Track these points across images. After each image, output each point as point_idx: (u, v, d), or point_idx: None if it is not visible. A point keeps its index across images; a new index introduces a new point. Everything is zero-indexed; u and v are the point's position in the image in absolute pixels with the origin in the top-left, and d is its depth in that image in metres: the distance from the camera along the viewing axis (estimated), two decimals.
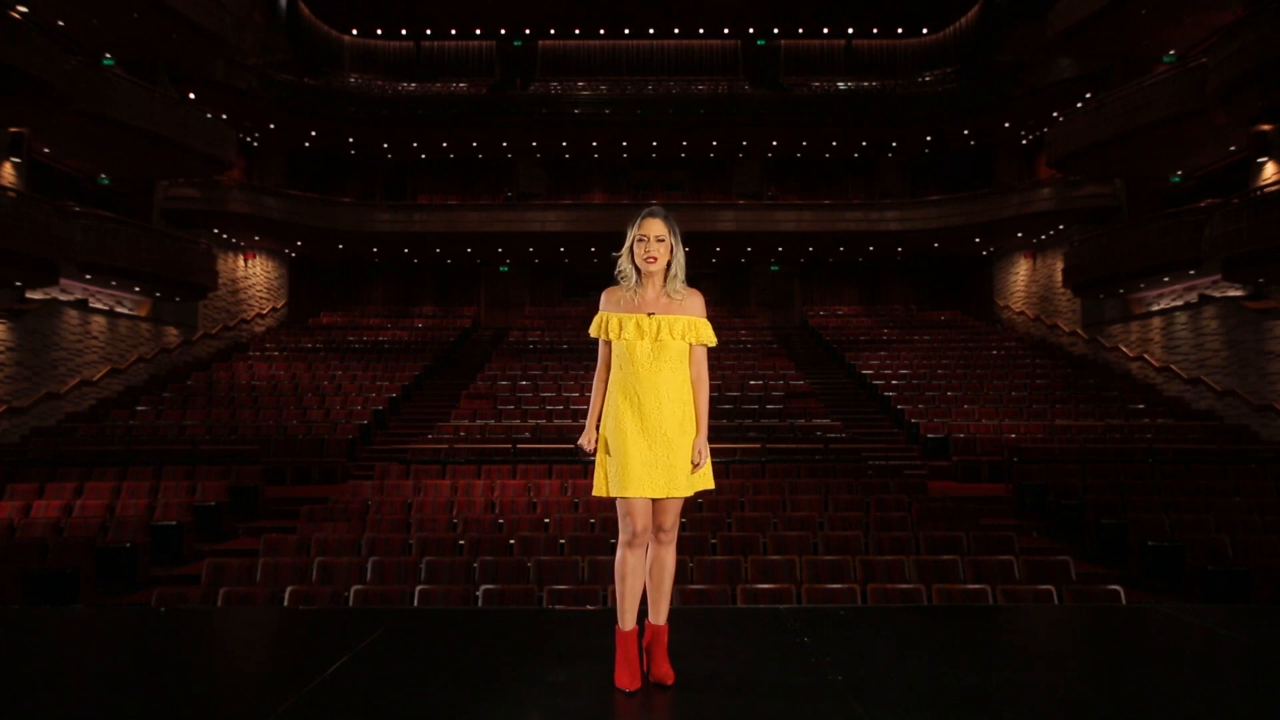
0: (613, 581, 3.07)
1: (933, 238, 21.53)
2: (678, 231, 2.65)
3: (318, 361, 17.26)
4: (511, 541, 7.25)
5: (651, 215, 2.63)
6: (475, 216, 21.38)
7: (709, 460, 2.63)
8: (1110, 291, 17.52)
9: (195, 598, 5.94)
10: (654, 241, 2.60)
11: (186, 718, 2.38)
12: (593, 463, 2.65)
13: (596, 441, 2.64)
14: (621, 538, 2.58)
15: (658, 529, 2.59)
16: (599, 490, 2.60)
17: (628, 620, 2.53)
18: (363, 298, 24.57)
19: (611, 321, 2.64)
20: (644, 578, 2.59)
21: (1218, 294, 15.03)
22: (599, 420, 2.65)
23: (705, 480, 2.62)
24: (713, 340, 2.68)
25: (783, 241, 22.11)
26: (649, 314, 2.62)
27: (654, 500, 2.57)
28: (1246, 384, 13.66)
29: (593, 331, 2.69)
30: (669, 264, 2.64)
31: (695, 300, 2.67)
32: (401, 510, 8.68)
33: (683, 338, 2.61)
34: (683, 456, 2.55)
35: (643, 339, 2.60)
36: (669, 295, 2.64)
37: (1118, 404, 14.43)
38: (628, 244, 2.65)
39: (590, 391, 2.75)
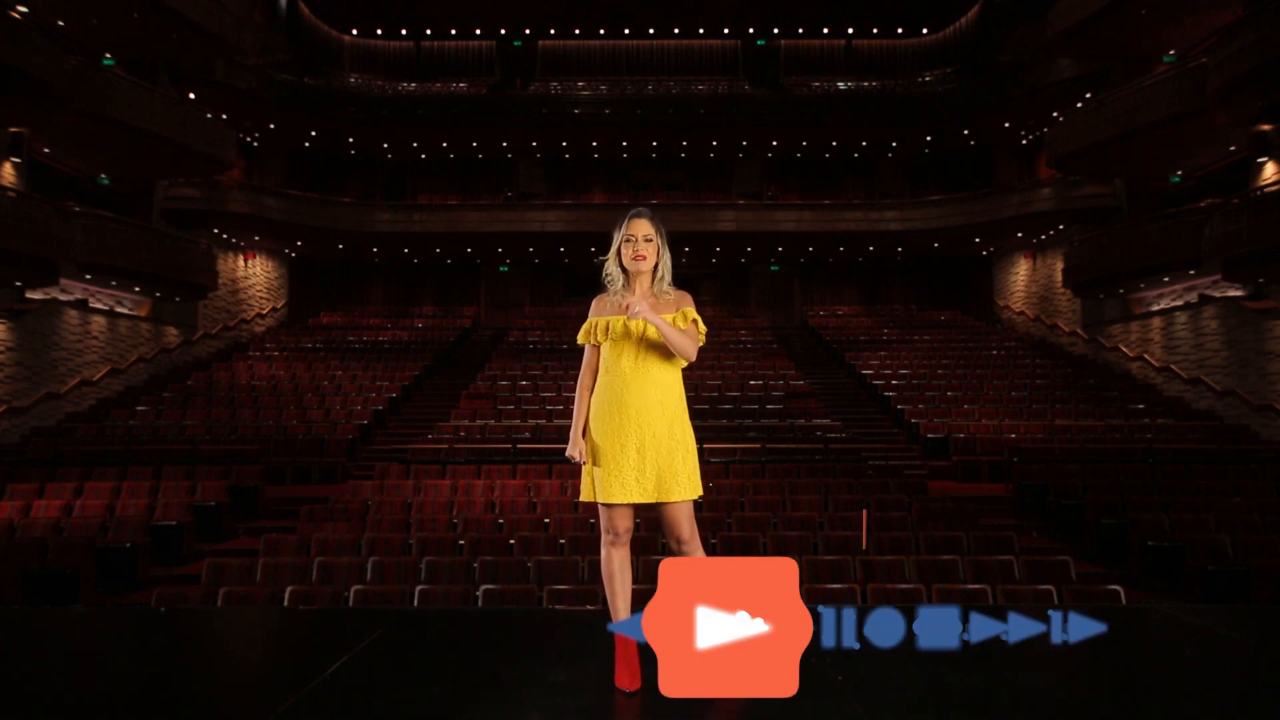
0: None
1: (933, 238, 21.52)
2: (664, 232, 2.61)
3: (318, 361, 17.26)
4: (511, 541, 7.25)
5: (638, 216, 2.60)
6: (475, 216, 21.38)
7: (695, 467, 2.52)
8: (1110, 291, 17.52)
9: (195, 598, 5.95)
10: (642, 241, 2.57)
11: (186, 718, 2.38)
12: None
13: (584, 451, 2.59)
14: (604, 538, 2.56)
15: (677, 541, 2.53)
16: (585, 496, 2.58)
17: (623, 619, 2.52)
18: (363, 298, 24.57)
19: (599, 325, 2.60)
20: (631, 574, 2.57)
21: (1218, 294, 15.02)
22: (585, 428, 2.61)
23: (693, 488, 2.50)
24: (701, 325, 2.58)
25: (783, 241, 22.11)
26: None
27: (664, 512, 2.52)
28: (1246, 384, 13.66)
29: (581, 339, 2.65)
30: (656, 265, 2.60)
31: (684, 300, 2.62)
32: (401, 510, 8.68)
33: None
34: (672, 460, 2.48)
35: (629, 339, 2.55)
36: (656, 296, 2.60)
37: (1118, 404, 14.43)
38: (614, 246, 2.62)
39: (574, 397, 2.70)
